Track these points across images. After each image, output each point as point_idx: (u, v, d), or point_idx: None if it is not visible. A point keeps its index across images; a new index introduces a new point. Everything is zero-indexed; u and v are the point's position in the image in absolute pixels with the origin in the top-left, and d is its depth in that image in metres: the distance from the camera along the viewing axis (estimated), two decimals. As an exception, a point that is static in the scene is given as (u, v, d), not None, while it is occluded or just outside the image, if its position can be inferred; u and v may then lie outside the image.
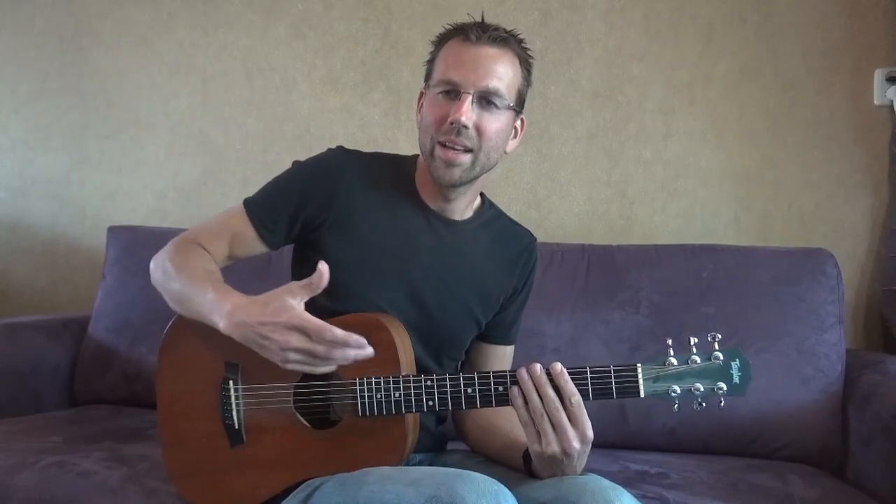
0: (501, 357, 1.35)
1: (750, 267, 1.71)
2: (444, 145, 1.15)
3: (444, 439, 1.34)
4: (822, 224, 1.93)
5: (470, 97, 1.14)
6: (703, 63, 1.99)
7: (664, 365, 1.04)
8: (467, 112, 1.13)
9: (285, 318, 1.03)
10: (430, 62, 1.22)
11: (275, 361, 1.05)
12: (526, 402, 1.04)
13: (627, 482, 1.34)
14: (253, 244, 1.24)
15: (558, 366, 1.04)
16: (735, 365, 1.04)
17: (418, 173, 1.26)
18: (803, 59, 1.93)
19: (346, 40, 2.17)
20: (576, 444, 1.02)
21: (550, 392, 1.03)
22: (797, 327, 1.65)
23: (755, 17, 1.96)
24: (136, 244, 1.99)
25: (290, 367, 1.05)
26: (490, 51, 1.15)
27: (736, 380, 1.03)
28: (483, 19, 1.19)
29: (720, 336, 1.05)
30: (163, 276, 1.20)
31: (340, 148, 1.28)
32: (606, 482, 1.02)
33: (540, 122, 2.04)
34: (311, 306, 1.19)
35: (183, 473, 1.19)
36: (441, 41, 1.21)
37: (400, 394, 1.09)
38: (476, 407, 1.10)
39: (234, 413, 1.15)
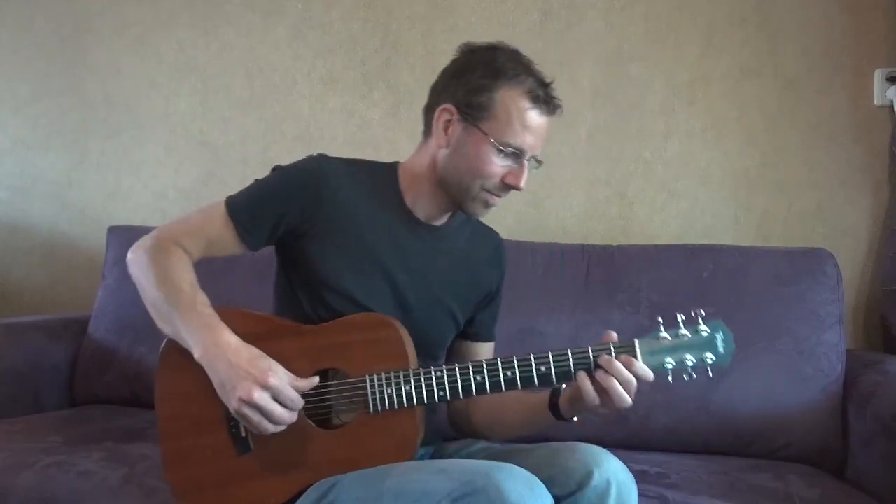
0: (486, 353, 1.39)
1: (750, 267, 1.71)
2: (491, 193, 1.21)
3: (440, 430, 1.35)
4: (822, 224, 1.93)
5: (528, 164, 1.20)
6: (703, 63, 1.99)
7: (658, 339, 1.10)
8: (525, 179, 1.20)
9: (263, 375, 1.07)
10: (484, 94, 1.17)
11: (229, 406, 1.10)
12: (593, 383, 1.09)
13: (627, 482, 1.34)
14: (233, 246, 1.24)
15: (632, 360, 1.09)
16: (719, 336, 1.10)
17: (402, 181, 1.27)
18: (804, 58, 1.93)
19: (346, 40, 2.17)
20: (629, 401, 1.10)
21: (627, 374, 1.08)
22: (797, 327, 1.65)
23: (755, 17, 1.96)
24: (136, 244, 1.98)
25: (240, 418, 1.10)
26: (549, 120, 1.21)
27: (721, 350, 1.10)
28: (549, 84, 1.20)
29: (704, 312, 1.10)
30: (142, 276, 1.20)
31: (321, 156, 1.27)
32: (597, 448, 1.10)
33: (540, 122, 2.03)
34: (301, 313, 1.22)
35: (190, 490, 1.17)
36: (503, 79, 1.17)
37: (411, 386, 1.11)
38: (486, 393, 1.12)
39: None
